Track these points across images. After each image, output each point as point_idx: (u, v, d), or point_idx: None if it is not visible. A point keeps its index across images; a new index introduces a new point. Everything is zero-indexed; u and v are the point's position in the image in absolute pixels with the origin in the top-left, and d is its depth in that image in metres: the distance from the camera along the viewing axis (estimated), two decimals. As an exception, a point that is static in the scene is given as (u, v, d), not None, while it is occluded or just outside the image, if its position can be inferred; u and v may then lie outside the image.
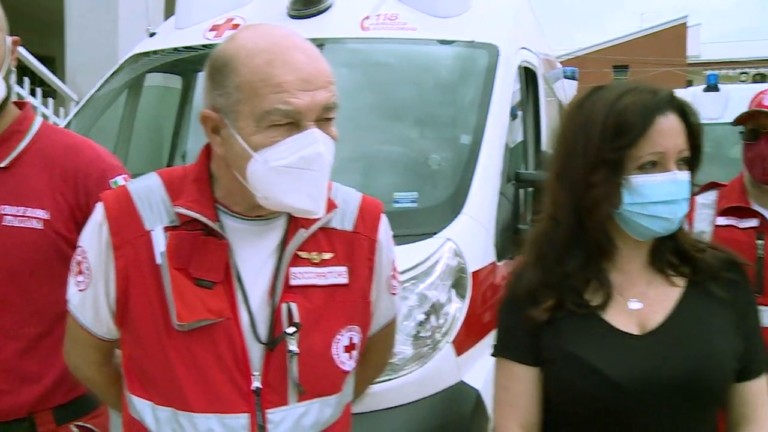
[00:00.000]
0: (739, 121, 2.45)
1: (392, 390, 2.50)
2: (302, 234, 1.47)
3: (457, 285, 2.69)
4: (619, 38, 40.81)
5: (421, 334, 2.59)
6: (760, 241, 2.34)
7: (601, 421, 1.50)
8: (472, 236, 2.84)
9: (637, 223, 1.50)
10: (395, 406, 2.51)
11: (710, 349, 1.51)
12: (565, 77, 5.66)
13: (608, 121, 1.47)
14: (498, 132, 3.21)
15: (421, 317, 2.61)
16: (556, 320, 1.53)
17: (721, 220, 2.44)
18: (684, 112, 1.51)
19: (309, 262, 1.47)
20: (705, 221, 2.46)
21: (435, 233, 2.77)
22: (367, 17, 3.78)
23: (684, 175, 1.50)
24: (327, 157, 1.39)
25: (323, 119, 1.38)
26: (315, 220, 1.48)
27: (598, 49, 39.74)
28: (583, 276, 1.54)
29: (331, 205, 1.51)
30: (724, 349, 1.53)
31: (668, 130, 1.47)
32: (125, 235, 1.44)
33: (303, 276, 1.46)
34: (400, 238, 2.67)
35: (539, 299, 1.54)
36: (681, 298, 1.56)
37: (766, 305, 2.27)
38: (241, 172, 1.39)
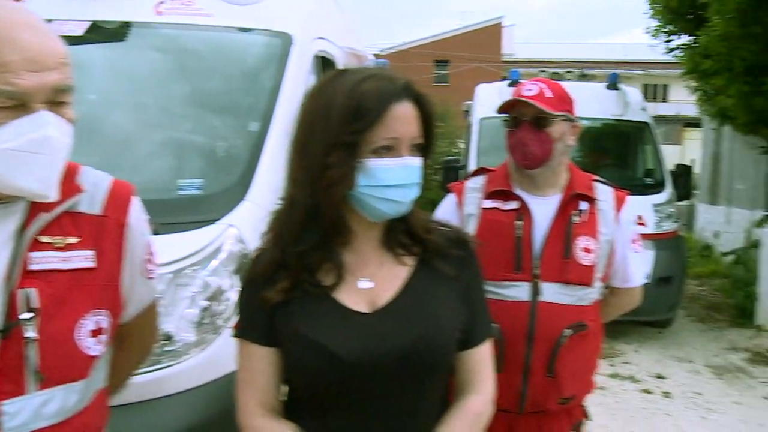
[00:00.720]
0: (502, 109, 2.54)
1: (173, 376, 2.49)
2: (43, 218, 1.43)
3: (240, 270, 2.69)
4: (441, 34, 42.25)
5: (204, 321, 2.59)
6: (519, 222, 2.44)
7: (334, 398, 1.54)
8: (256, 222, 2.78)
9: (371, 204, 1.54)
10: (177, 393, 2.50)
11: (435, 322, 1.57)
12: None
13: (347, 104, 1.49)
14: (288, 119, 3.18)
15: (204, 303, 2.60)
16: (290, 301, 1.55)
17: (487, 203, 2.51)
18: (419, 100, 1.55)
19: (51, 247, 1.44)
20: (473, 204, 2.53)
21: (217, 219, 2.77)
22: (162, 2, 3.70)
23: (415, 161, 1.55)
24: (60, 140, 1.36)
25: (57, 102, 1.35)
26: (57, 204, 1.44)
27: (421, 44, 40.98)
28: (318, 256, 1.56)
29: (76, 189, 1.48)
30: (449, 322, 1.60)
31: (403, 117, 1.51)
32: None
33: (44, 261, 1.42)
34: (184, 225, 2.67)
35: (275, 280, 1.56)
36: (410, 276, 1.61)
37: (524, 281, 2.40)
38: None
